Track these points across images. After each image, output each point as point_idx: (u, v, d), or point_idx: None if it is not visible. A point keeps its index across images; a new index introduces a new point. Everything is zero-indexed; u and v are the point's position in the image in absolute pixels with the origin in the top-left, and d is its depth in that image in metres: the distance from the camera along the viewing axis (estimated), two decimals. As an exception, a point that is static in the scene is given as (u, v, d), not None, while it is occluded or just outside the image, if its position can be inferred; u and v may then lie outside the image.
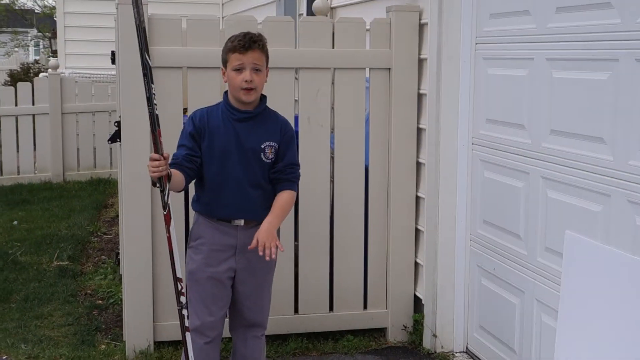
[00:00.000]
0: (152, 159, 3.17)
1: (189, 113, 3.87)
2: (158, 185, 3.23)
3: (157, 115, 3.20)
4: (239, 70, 3.36)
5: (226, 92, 3.50)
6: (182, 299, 3.30)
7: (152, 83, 3.19)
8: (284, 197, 3.47)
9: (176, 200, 3.99)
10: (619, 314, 3.25)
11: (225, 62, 3.43)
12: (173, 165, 3.32)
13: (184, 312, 3.31)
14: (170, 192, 3.28)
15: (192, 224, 3.59)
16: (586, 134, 3.45)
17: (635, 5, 3.11)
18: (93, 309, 5.29)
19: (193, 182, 3.53)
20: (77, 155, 10.04)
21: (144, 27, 3.16)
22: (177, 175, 3.31)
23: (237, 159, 3.42)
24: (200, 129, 3.43)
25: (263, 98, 3.51)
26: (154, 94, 3.19)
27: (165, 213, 3.27)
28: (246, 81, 3.34)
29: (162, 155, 3.17)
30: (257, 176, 3.46)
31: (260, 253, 3.25)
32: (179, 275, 3.30)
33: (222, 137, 3.43)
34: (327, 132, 4.66)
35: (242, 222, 3.47)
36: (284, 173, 3.49)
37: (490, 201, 4.28)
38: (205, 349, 3.47)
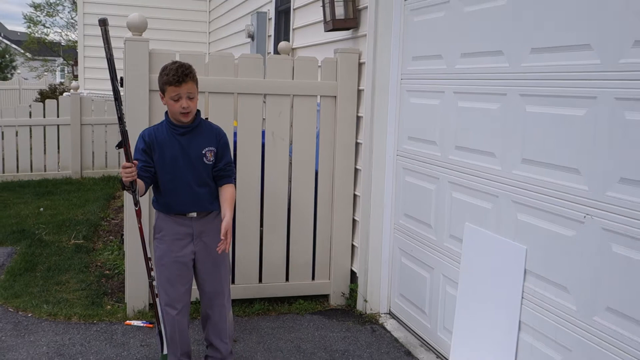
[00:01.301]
0: (124, 167, 3.14)
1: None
2: (128, 187, 3.20)
3: (126, 131, 3.17)
4: (176, 100, 3.23)
5: (167, 112, 3.38)
6: (153, 274, 3.31)
7: (122, 105, 3.15)
8: (229, 191, 3.40)
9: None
10: (497, 281, 3.32)
11: (163, 91, 3.27)
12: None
13: (154, 283, 3.31)
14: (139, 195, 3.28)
15: (154, 219, 3.51)
16: (481, 149, 3.51)
17: (516, 48, 3.18)
18: (102, 278, 5.24)
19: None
20: (92, 157, 9.92)
21: (113, 60, 3.05)
22: (139, 183, 3.29)
23: (185, 165, 3.34)
24: (150, 144, 3.34)
25: (197, 113, 3.41)
26: (123, 114, 3.15)
27: (137, 209, 3.26)
28: (183, 107, 3.25)
29: (132, 163, 3.16)
30: (203, 176, 3.38)
31: (221, 248, 3.21)
32: (149, 255, 3.31)
33: (170, 149, 3.33)
34: (287, 144, 4.66)
35: (195, 214, 3.39)
36: (224, 171, 3.43)
37: (409, 199, 4.32)
38: (176, 319, 3.41)
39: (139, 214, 3.26)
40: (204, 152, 3.35)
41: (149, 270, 3.29)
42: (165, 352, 3.32)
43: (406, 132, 4.34)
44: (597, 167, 2.70)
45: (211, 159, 3.38)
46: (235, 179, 3.55)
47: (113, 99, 3.12)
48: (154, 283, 3.31)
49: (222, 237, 3.20)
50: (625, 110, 2.57)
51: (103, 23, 3.01)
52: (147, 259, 3.30)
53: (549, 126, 2.99)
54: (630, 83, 2.55)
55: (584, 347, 2.79)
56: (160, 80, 3.28)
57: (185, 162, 3.34)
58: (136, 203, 3.24)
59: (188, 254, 3.40)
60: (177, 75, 3.21)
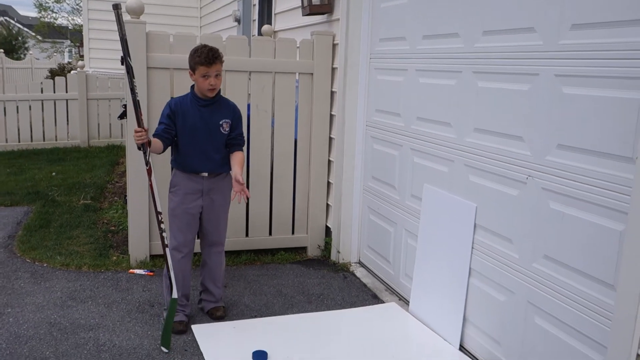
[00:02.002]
0: (136, 131, 3.15)
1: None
2: (141, 149, 3.21)
3: (138, 101, 3.17)
4: (205, 77, 3.31)
5: (193, 86, 3.42)
6: (162, 226, 3.27)
7: (134, 78, 3.13)
8: (239, 156, 3.45)
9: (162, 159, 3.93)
10: (451, 234, 3.35)
11: (193, 70, 3.32)
12: (155, 135, 3.33)
13: (164, 234, 3.28)
14: (153, 154, 3.27)
15: (171, 176, 3.53)
16: (439, 120, 3.50)
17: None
18: (107, 233, 5.19)
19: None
20: (97, 128, 9.75)
21: (126, 39, 3.04)
22: (157, 143, 3.31)
23: (203, 132, 3.39)
24: (175, 111, 3.38)
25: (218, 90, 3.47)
26: (135, 85, 3.14)
27: (147, 168, 3.23)
28: (211, 84, 3.31)
29: (143, 128, 3.15)
30: (218, 143, 3.43)
31: (241, 195, 3.27)
32: (159, 209, 3.28)
33: (191, 118, 3.38)
34: (269, 116, 4.61)
35: (206, 174, 3.44)
36: (236, 139, 3.48)
37: (376, 164, 4.32)
38: (181, 262, 3.47)
39: (149, 172, 3.24)
40: (221, 122, 3.42)
41: (159, 222, 3.27)
42: (175, 295, 3.31)
43: (374, 105, 4.32)
44: (538, 134, 2.72)
45: (227, 129, 3.44)
46: (243, 146, 3.57)
47: (126, 73, 3.10)
48: (164, 234, 3.28)
49: (238, 190, 3.27)
50: (563, 85, 2.57)
51: (116, 7, 3.00)
52: (157, 213, 3.27)
53: (497, 99, 2.99)
54: (568, 62, 2.55)
55: (524, 289, 2.84)
56: (192, 60, 3.32)
57: (204, 130, 3.40)
58: (147, 162, 3.22)
59: (197, 207, 3.46)
60: (209, 57, 3.27)
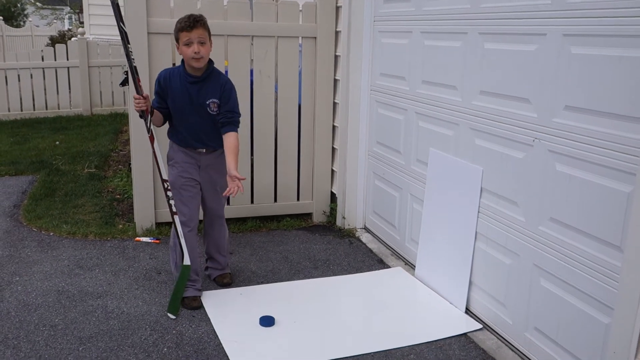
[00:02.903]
0: (135, 98, 3.11)
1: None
2: (142, 116, 3.18)
3: (135, 67, 3.10)
4: (188, 44, 3.12)
5: (183, 60, 3.27)
6: (169, 193, 3.27)
7: (129, 44, 3.05)
8: (231, 141, 3.21)
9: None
10: (457, 198, 3.35)
11: (177, 39, 3.17)
12: (154, 108, 3.28)
13: (171, 202, 3.28)
14: (155, 125, 3.24)
15: (168, 148, 3.46)
16: (444, 83, 3.47)
17: (479, -5, 3.10)
18: (113, 201, 5.21)
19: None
20: (100, 96, 9.73)
21: (117, 3, 2.97)
22: (157, 115, 3.28)
23: (191, 111, 3.27)
24: (164, 88, 3.28)
25: (210, 63, 3.29)
26: (131, 51, 3.06)
27: (149, 135, 3.20)
28: (195, 52, 3.13)
29: (141, 95, 3.11)
30: (208, 122, 3.29)
31: (235, 190, 3.10)
32: (164, 177, 3.26)
33: (180, 96, 3.26)
34: (272, 81, 4.57)
35: (203, 150, 3.35)
36: (226, 117, 3.25)
37: (381, 128, 4.30)
38: (189, 236, 3.38)
39: (151, 140, 3.22)
40: (208, 102, 3.25)
41: (166, 190, 3.26)
42: (187, 262, 3.30)
43: (379, 69, 4.27)
44: (545, 96, 2.69)
45: (215, 109, 3.26)
46: (237, 125, 3.32)
47: (120, 39, 3.04)
48: (171, 202, 3.27)
49: (232, 186, 3.10)
50: (572, 45, 2.53)
51: None
52: (163, 180, 3.27)
53: (504, 61, 2.95)
54: (577, 20, 2.50)
55: (530, 252, 2.84)
56: (175, 29, 3.18)
57: (192, 109, 3.27)
58: (148, 130, 3.20)
59: (193, 179, 3.39)
60: (190, 22, 3.12)
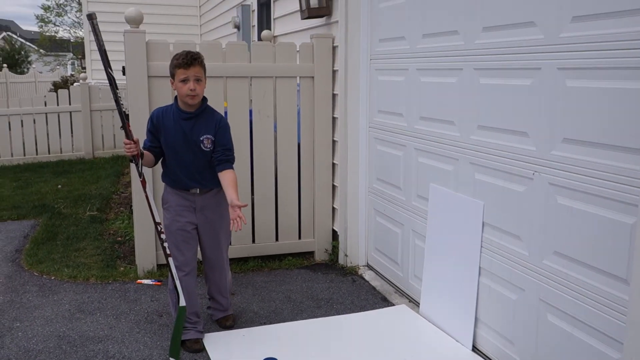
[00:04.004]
0: (125, 143, 3.08)
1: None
2: (132, 161, 3.16)
3: (124, 112, 3.08)
4: (184, 81, 3.11)
5: (176, 97, 3.25)
6: (163, 236, 3.21)
7: (117, 89, 3.03)
8: (229, 176, 3.16)
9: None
10: (459, 233, 3.31)
11: (173, 75, 3.15)
12: (145, 148, 3.25)
13: (165, 244, 3.21)
14: (145, 167, 3.20)
15: (163, 191, 3.42)
16: (442, 119, 3.47)
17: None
18: (114, 244, 5.18)
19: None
20: (102, 139, 9.80)
21: (105, 50, 2.94)
22: (149, 156, 3.24)
23: (185, 149, 3.22)
24: (157, 125, 3.25)
25: (204, 100, 3.27)
26: (120, 96, 3.05)
27: (141, 179, 3.15)
28: (191, 89, 3.12)
29: (132, 140, 3.08)
30: (202, 161, 3.24)
31: (238, 223, 2.99)
32: (157, 220, 3.21)
33: (173, 133, 3.22)
34: (271, 120, 4.59)
35: (197, 191, 3.29)
36: (222, 154, 3.21)
37: (381, 165, 4.29)
38: (184, 280, 3.31)
39: (143, 184, 3.18)
40: (201, 139, 3.21)
41: (159, 232, 3.21)
42: (182, 303, 3.23)
43: (376, 106, 4.29)
44: (543, 129, 2.68)
45: (208, 146, 3.21)
46: (232, 163, 3.28)
47: (108, 85, 3.02)
48: (165, 244, 3.22)
49: (235, 217, 2.99)
50: (567, 78, 2.53)
51: (90, 17, 2.90)
52: (156, 223, 3.22)
53: (500, 95, 2.95)
54: (571, 54, 2.51)
55: (535, 286, 2.79)
56: (171, 65, 3.17)
57: (186, 146, 3.22)
58: (140, 174, 3.16)
59: (189, 223, 3.31)
60: (187, 59, 3.10)
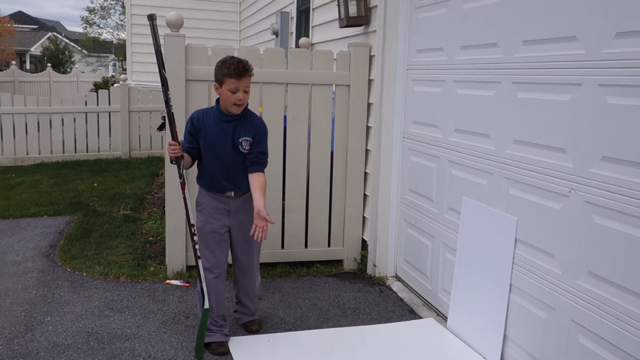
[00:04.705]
0: (170, 145, 3.13)
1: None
2: (174, 162, 3.20)
3: (172, 113, 3.13)
4: (234, 91, 3.13)
5: (218, 99, 3.27)
6: (195, 238, 3.25)
7: (169, 90, 3.09)
8: (259, 179, 3.20)
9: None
10: (491, 248, 3.26)
11: (220, 82, 3.15)
12: (183, 150, 3.26)
13: (197, 246, 3.25)
14: (184, 168, 3.24)
15: (197, 194, 3.45)
16: (477, 132, 3.43)
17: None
18: (146, 244, 5.26)
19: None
20: (139, 140, 9.97)
21: (161, 51, 3.02)
22: (186, 157, 3.28)
23: (224, 150, 3.25)
24: (198, 127, 3.28)
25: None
26: (170, 97, 3.10)
27: (181, 181, 3.21)
28: (239, 99, 3.16)
29: (177, 141, 3.13)
30: (240, 163, 3.28)
31: (260, 232, 3.04)
32: (192, 222, 3.25)
33: (213, 134, 3.25)
34: (306, 127, 4.61)
35: (232, 194, 3.32)
36: (255, 157, 3.25)
37: (413, 176, 4.26)
38: (214, 282, 3.34)
39: (183, 186, 3.23)
40: (240, 140, 3.24)
41: (192, 234, 3.25)
42: (207, 306, 3.26)
43: (411, 116, 4.27)
44: (581, 146, 2.63)
45: (246, 148, 3.24)
46: (264, 167, 3.32)
47: (161, 85, 3.08)
48: (197, 247, 3.26)
49: (259, 225, 3.04)
50: (607, 95, 2.48)
51: (151, 18, 2.98)
52: (189, 225, 3.26)
53: (538, 110, 2.91)
54: (613, 71, 2.46)
55: (567, 307, 2.73)
56: (220, 72, 3.16)
57: (226, 147, 3.26)
58: (180, 176, 3.21)
59: (222, 226, 3.34)
60: (239, 70, 3.10)
